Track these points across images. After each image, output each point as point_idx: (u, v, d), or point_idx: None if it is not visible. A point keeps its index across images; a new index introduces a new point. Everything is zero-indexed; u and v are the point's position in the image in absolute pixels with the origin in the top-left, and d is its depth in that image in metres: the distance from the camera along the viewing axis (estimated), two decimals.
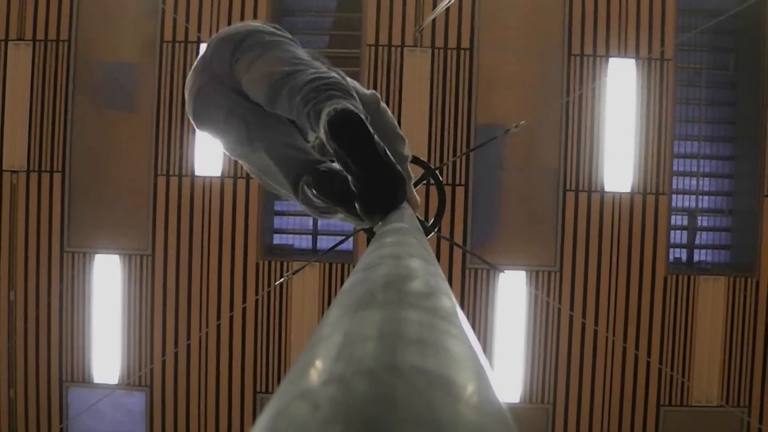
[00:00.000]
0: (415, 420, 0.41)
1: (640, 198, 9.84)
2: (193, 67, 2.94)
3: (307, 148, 2.80)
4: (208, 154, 9.78)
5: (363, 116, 2.19)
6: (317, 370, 0.51)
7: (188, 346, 9.79)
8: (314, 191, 2.46)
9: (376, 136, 2.17)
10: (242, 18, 9.78)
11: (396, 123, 3.35)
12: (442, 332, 0.59)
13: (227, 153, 3.03)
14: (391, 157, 2.17)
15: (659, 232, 9.86)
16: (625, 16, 9.84)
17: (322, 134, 2.20)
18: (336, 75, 2.55)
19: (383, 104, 3.23)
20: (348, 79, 2.82)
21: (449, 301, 0.74)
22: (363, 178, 2.13)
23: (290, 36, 2.97)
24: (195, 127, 3.02)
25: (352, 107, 2.20)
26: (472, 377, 0.50)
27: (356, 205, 2.20)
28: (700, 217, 10.49)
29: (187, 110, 2.98)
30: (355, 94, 2.44)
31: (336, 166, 2.43)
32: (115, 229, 9.85)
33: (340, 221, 2.81)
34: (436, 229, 4.78)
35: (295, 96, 2.42)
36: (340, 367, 0.50)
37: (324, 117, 2.17)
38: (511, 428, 0.45)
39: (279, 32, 2.94)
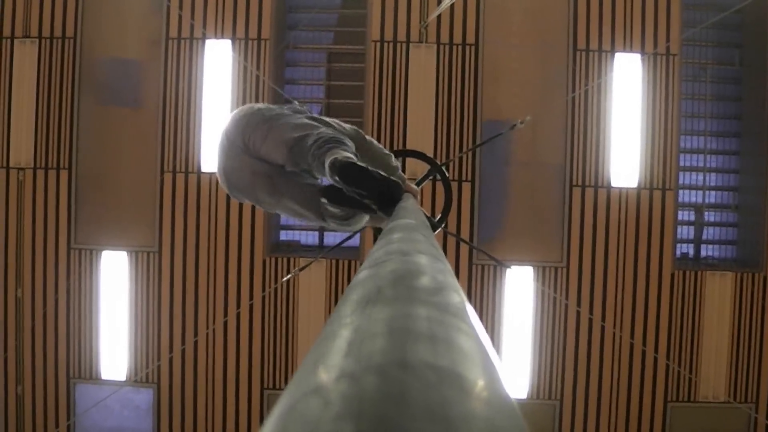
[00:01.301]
0: (427, 416, 0.41)
1: (647, 193, 9.82)
2: (219, 144, 3.70)
3: (317, 183, 3.55)
4: (214, 151, 9.78)
5: (353, 159, 2.97)
6: (327, 366, 0.51)
7: (195, 342, 9.80)
8: (328, 201, 3.14)
9: (367, 166, 2.93)
10: (247, 13, 9.78)
11: (380, 144, 4.04)
12: (452, 328, 0.59)
13: (261, 206, 3.74)
14: (383, 173, 2.90)
15: (666, 227, 9.84)
16: (631, 11, 9.82)
17: (328, 176, 2.98)
18: (328, 130, 3.36)
19: (366, 135, 3.93)
20: (336, 123, 3.64)
21: (458, 296, 0.74)
22: (372, 196, 2.85)
23: (283, 107, 3.70)
24: (230, 194, 3.74)
25: (344, 156, 2.98)
26: (482, 373, 0.50)
27: (374, 207, 2.92)
28: (706, 213, 10.46)
29: (221, 183, 3.74)
30: (343, 138, 3.24)
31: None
32: (121, 226, 9.87)
33: (362, 226, 3.73)
34: (442, 225, 4.78)
35: (306, 155, 3.19)
36: (351, 363, 0.50)
37: (327, 166, 2.96)
38: (522, 424, 0.46)
39: (273, 107, 3.67)
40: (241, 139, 3.49)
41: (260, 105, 3.68)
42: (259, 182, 3.50)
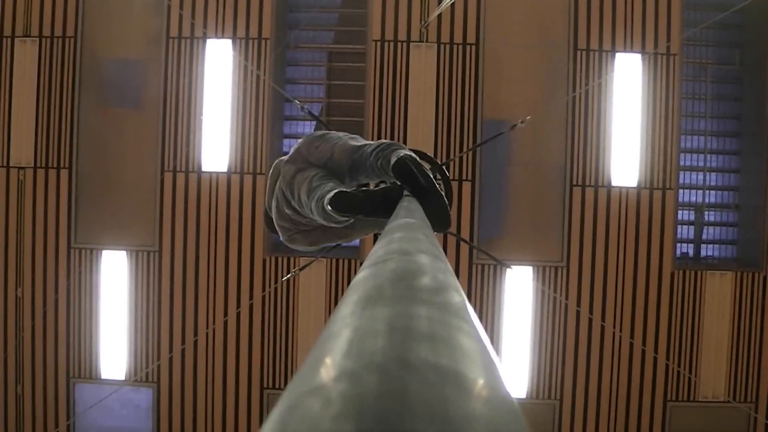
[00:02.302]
0: (428, 415, 0.41)
1: (647, 193, 9.82)
2: (286, 158, 4.11)
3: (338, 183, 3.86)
4: (215, 150, 9.79)
5: (414, 156, 3.39)
6: (328, 365, 0.51)
7: (195, 342, 9.80)
8: (330, 204, 3.35)
9: (421, 165, 3.32)
10: (247, 13, 9.77)
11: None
12: (453, 328, 0.59)
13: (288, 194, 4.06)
14: (434, 180, 3.26)
15: (666, 227, 9.84)
16: (631, 10, 9.82)
17: (391, 170, 3.37)
18: (375, 141, 3.84)
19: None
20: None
21: (459, 296, 0.74)
22: (425, 193, 3.18)
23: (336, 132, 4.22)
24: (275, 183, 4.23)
25: (412, 154, 3.42)
26: (483, 372, 0.50)
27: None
28: (706, 212, 10.46)
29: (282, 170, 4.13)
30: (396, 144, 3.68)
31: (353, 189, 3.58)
32: (121, 226, 9.87)
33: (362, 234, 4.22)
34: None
35: (367, 158, 3.63)
36: (351, 362, 0.50)
37: (393, 161, 3.37)
38: (522, 423, 0.46)
39: (338, 132, 4.19)
40: (308, 150, 3.96)
41: (328, 130, 4.29)
42: (297, 167, 3.95)
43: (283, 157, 4.20)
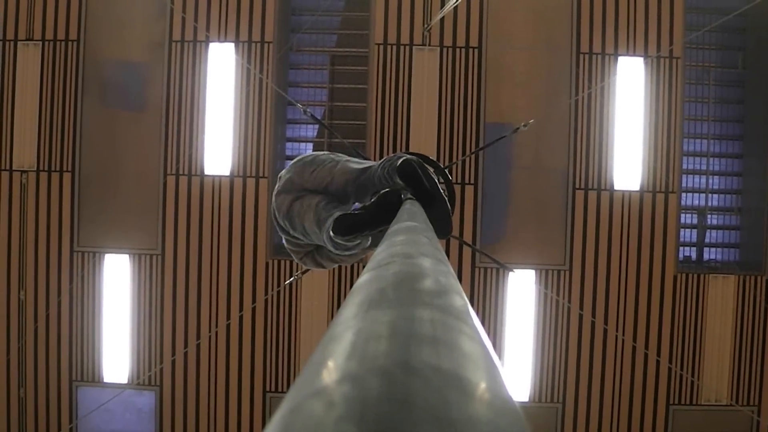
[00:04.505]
0: (431, 418, 0.41)
1: (650, 196, 9.81)
2: (277, 188, 4.08)
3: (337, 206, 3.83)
4: (218, 153, 9.80)
5: (417, 160, 3.39)
6: (330, 368, 0.51)
7: (198, 345, 9.80)
8: (332, 231, 3.35)
9: (432, 175, 3.34)
10: (250, 16, 9.78)
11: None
12: (456, 331, 0.59)
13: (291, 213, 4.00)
14: (437, 184, 3.27)
15: (668, 230, 9.84)
16: (634, 14, 9.82)
17: (396, 173, 3.34)
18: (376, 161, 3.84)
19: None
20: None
21: (461, 299, 0.74)
22: (428, 194, 3.20)
23: (332, 153, 4.19)
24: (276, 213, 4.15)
25: (413, 158, 3.42)
26: (485, 376, 0.50)
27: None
28: (709, 216, 10.45)
29: (277, 198, 4.11)
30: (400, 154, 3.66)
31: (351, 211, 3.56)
32: (124, 229, 9.87)
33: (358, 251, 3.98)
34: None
35: (374, 176, 3.56)
36: (354, 365, 0.50)
37: (398, 164, 3.36)
38: (525, 426, 0.46)
39: (328, 153, 4.16)
40: (301, 177, 3.93)
41: (315, 153, 4.20)
42: (293, 197, 3.90)
43: (280, 177, 4.16)
